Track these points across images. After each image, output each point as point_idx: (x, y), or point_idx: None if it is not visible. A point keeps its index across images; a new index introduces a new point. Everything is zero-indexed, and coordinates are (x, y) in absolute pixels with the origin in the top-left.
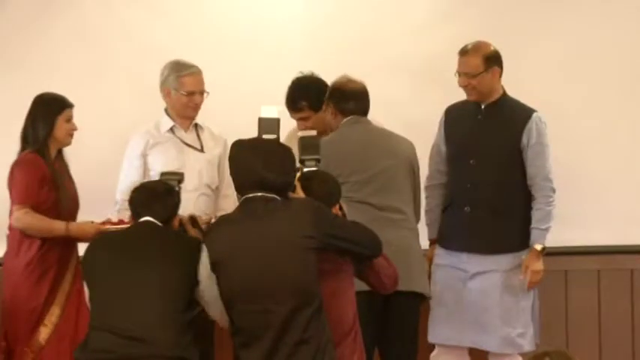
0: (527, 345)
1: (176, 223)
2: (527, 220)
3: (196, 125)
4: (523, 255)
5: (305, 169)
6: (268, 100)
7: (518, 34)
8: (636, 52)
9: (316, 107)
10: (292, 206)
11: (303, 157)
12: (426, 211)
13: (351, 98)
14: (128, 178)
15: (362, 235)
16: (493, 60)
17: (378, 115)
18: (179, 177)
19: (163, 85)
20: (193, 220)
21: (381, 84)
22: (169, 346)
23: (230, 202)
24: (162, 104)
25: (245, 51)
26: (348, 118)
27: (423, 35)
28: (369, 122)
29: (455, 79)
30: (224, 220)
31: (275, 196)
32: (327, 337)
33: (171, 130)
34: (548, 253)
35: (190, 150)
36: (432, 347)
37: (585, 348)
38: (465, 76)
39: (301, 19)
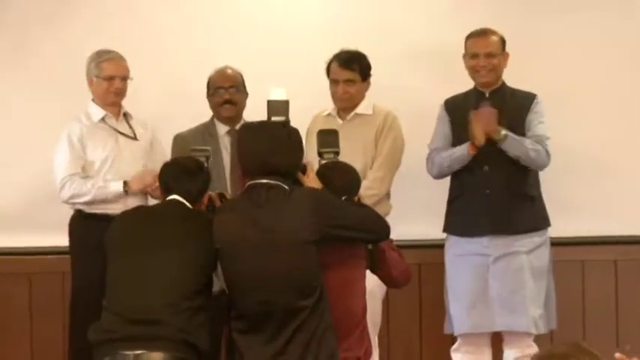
0: (543, 327)
1: (205, 199)
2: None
3: (125, 114)
4: (545, 234)
5: (324, 161)
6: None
7: (531, 22)
8: None
9: (363, 76)
10: (293, 196)
11: (322, 150)
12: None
13: None
14: (74, 159)
15: (366, 221)
16: (505, 43)
17: (392, 102)
18: (207, 153)
19: (87, 75)
20: (222, 197)
21: (396, 72)
22: (175, 330)
23: None
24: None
25: (263, 39)
26: None
27: (437, 23)
28: None
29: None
30: (227, 206)
31: (279, 182)
32: (326, 325)
33: (103, 119)
34: (565, 243)
35: (125, 138)
36: (450, 341)
37: (602, 338)
38: (487, 56)
39: (319, 9)
